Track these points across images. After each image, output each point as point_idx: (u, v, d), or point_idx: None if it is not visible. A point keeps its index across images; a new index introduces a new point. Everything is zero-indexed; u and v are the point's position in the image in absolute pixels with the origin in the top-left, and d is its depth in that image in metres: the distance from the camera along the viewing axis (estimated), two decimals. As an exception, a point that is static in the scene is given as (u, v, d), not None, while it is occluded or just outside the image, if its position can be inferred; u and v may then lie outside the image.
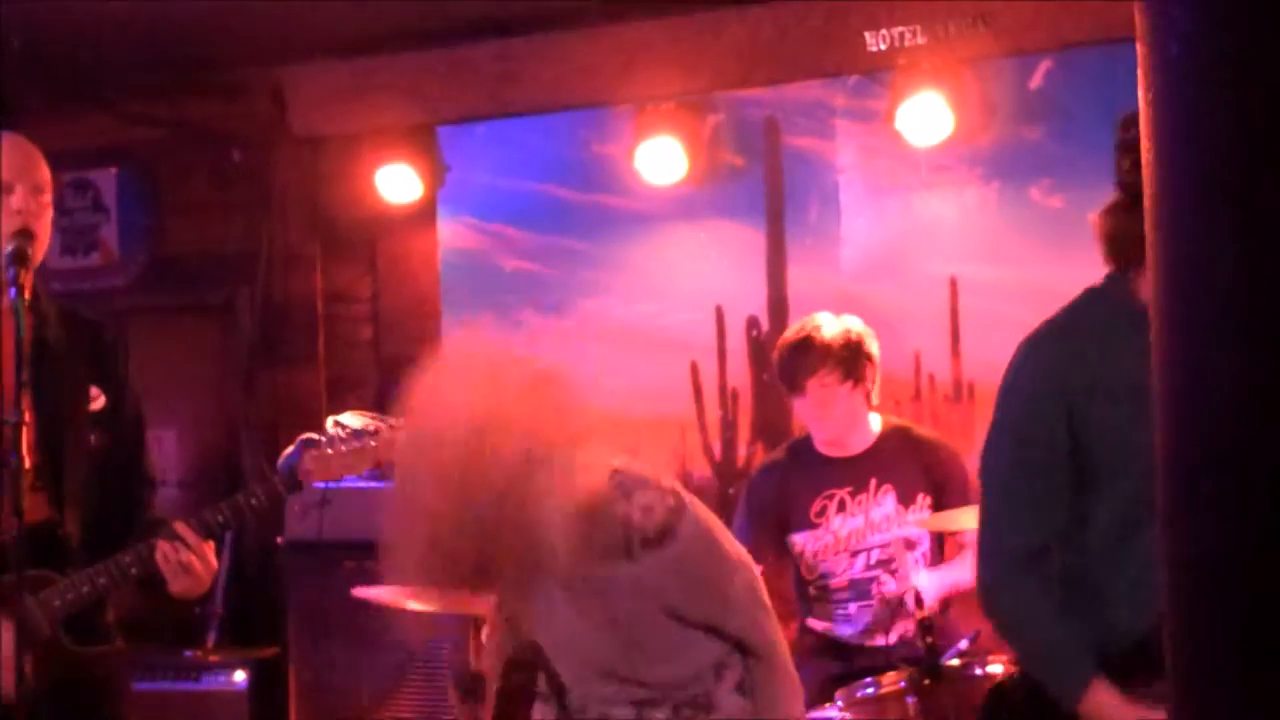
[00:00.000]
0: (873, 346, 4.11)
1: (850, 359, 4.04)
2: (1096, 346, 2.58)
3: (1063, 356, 2.61)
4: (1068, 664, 2.55)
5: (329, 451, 3.07)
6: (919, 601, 3.64)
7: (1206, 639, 1.10)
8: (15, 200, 2.99)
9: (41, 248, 3.06)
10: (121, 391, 3.15)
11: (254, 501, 3.06)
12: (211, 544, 3.02)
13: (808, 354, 4.04)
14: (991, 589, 2.69)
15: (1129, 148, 2.57)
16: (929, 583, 3.92)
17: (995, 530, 2.69)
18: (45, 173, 3.09)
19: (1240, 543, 1.06)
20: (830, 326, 4.08)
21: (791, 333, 4.15)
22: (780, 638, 2.70)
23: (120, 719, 3.13)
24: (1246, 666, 1.03)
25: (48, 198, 3.08)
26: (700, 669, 2.64)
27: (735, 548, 2.72)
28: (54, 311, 3.12)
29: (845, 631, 4.17)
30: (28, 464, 2.70)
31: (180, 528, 2.97)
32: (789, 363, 4.09)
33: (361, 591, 4.06)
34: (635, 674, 2.59)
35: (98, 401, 3.09)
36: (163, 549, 2.94)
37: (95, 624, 3.04)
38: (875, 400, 4.15)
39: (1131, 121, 2.56)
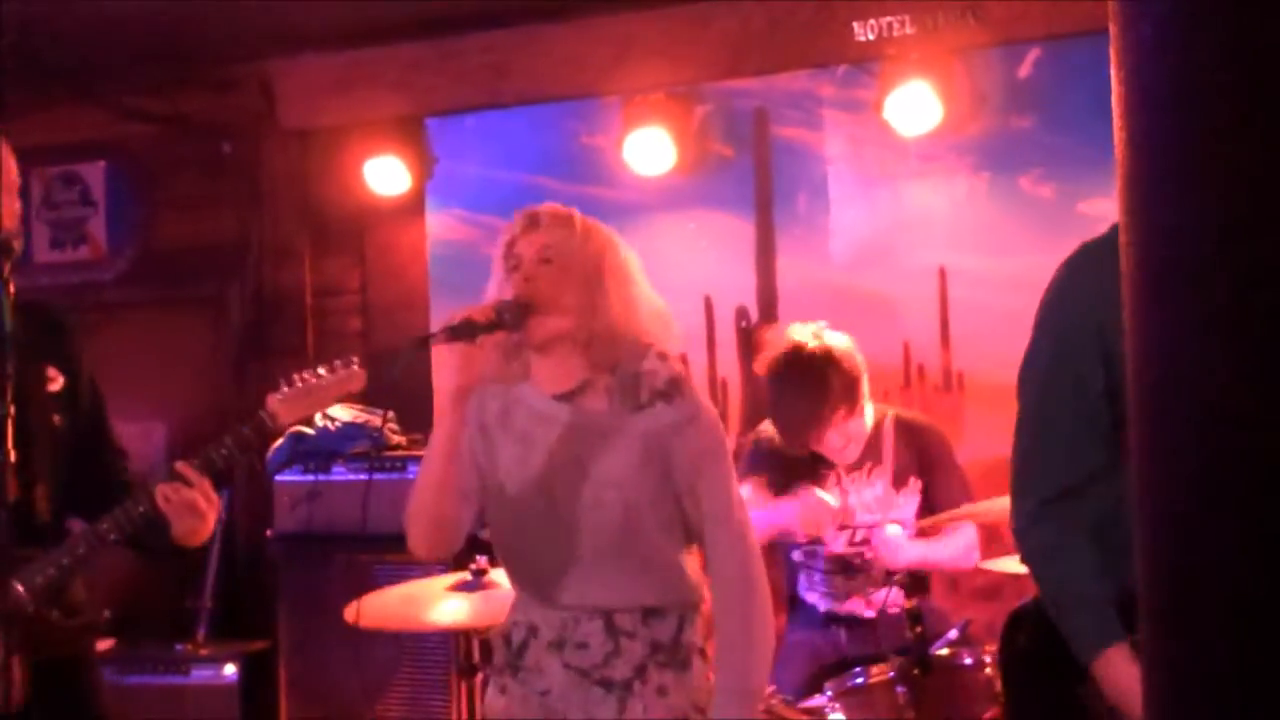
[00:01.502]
0: (858, 359, 4.05)
1: (851, 388, 4.00)
2: None
3: (1099, 287, 2.33)
4: (1088, 623, 2.44)
5: (293, 392, 3.09)
6: (907, 590, 3.63)
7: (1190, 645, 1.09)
8: None
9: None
10: (77, 369, 3.15)
11: (223, 452, 3.03)
12: (209, 482, 2.99)
13: (819, 411, 3.95)
14: (1020, 532, 2.58)
15: None
16: (895, 536, 3.96)
17: (1027, 470, 2.57)
18: (12, 166, 3.09)
19: (1227, 540, 1.06)
20: (826, 366, 3.96)
21: (791, 384, 3.99)
22: (760, 566, 2.70)
23: (100, 694, 3.14)
24: (1227, 647, 1.03)
25: (13, 190, 3.08)
26: (670, 597, 2.67)
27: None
28: (2, 297, 3.12)
29: (828, 603, 4.19)
30: (13, 456, 2.69)
31: (180, 467, 2.96)
32: (801, 422, 3.99)
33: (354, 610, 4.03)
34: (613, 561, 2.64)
35: (56, 382, 3.09)
36: (163, 491, 2.93)
37: (71, 598, 3.04)
38: (867, 401, 4.14)
39: None
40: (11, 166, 3.04)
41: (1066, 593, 2.50)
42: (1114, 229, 2.48)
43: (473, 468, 2.71)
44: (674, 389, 2.66)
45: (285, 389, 3.11)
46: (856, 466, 4.14)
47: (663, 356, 2.70)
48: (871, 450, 4.16)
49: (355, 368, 3.18)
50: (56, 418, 3.06)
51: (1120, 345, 2.36)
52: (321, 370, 3.17)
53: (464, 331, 2.54)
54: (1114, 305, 2.34)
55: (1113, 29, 1.05)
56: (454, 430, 2.61)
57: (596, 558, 2.63)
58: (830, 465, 4.15)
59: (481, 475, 2.73)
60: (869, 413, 4.18)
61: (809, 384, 3.96)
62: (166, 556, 3.08)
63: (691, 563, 2.76)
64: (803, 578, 4.26)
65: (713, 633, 2.74)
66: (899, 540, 4.01)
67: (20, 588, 2.91)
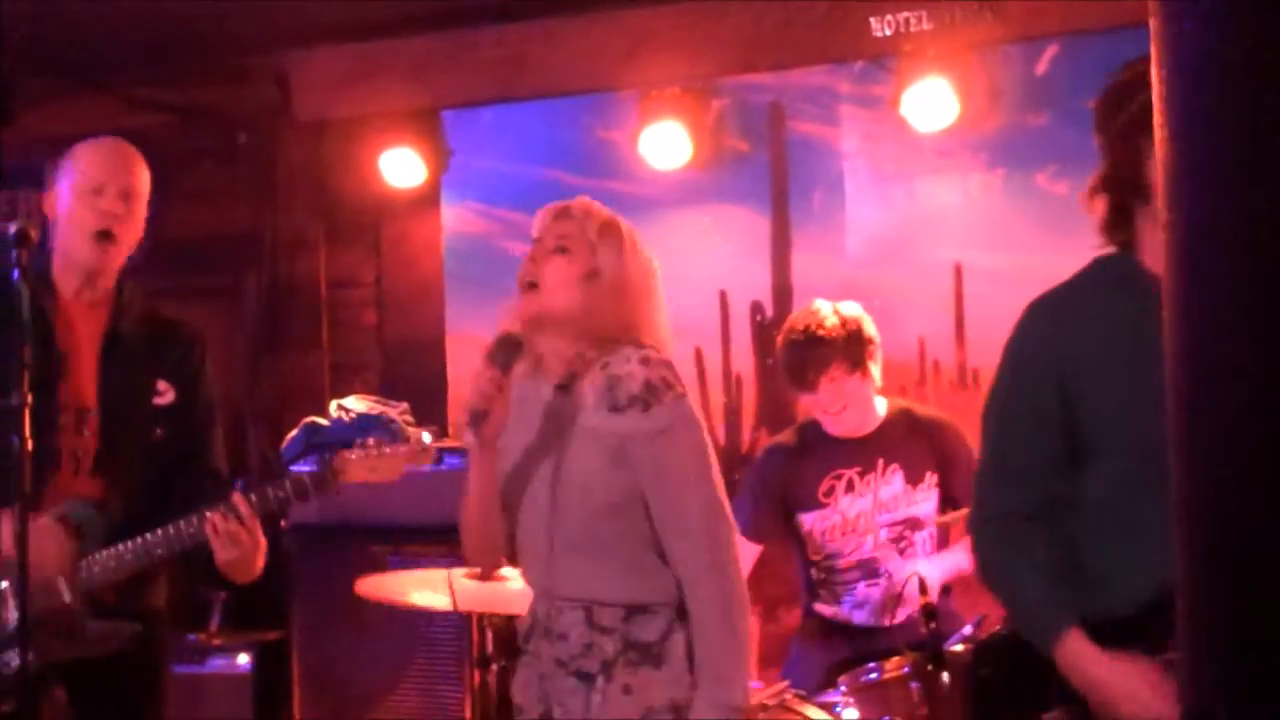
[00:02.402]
0: (871, 329, 4.11)
1: (856, 348, 4.04)
2: (1096, 318, 2.55)
3: (1059, 326, 2.57)
4: (1043, 614, 2.53)
5: (365, 458, 3.10)
6: (923, 587, 3.65)
7: (1221, 625, 1.09)
8: (104, 202, 3.08)
9: (124, 251, 3.18)
10: (194, 388, 3.22)
11: (280, 494, 3.08)
12: (258, 522, 3.04)
13: (816, 350, 4.02)
14: (975, 542, 2.70)
15: (1105, 123, 2.55)
16: (931, 569, 3.93)
17: (982, 489, 2.69)
18: (138, 178, 3.18)
19: (1257, 528, 1.06)
20: (830, 318, 4.06)
21: (794, 330, 4.11)
22: (731, 601, 2.65)
23: (147, 698, 3.17)
24: (1261, 644, 1.03)
25: (138, 204, 3.17)
26: (657, 596, 2.66)
27: (719, 486, 2.73)
28: (137, 309, 3.20)
29: (852, 613, 4.18)
30: (30, 445, 2.71)
31: (236, 498, 3.01)
32: (798, 362, 4.07)
33: (364, 587, 4.03)
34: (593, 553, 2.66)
35: (166, 396, 3.16)
36: (212, 519, 2.99)
37: (123, 602, 3.07)
38: (879, 381, 4.15)
39: (1112, 95, 2.56)
40: (96, 167, 3.11)
41: (1019, 590, 2.59)
42: (1082, 270, 2.59)
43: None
44: (651, 396, 2.64)
45: (358, 450, 3.11)
46: (869, 466, 4.14)
47: (645, 361, 2.67)
48: (882, 441, 4.16)
49: (428, 443, 3.18)
50: (160, 430, 3.13)
51: (1078, 384, 2.46)
52: (366, 408, 3.21)
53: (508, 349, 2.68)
54: (1072, 342, 2.47)
55: (1153, 24, 1.04)
56: (489, 463, 2.70)
57: (571, 550, 2.67)
58: (843, 468, 4.14)
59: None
60: (880, 404, 4.18)
61: (814, 327, 4.04)
62: (216, 581, 3.13)
63: (650, 575, 2.72)
64: (822, 592, 4.24)
65: None
66: (933, 571, 3.98)
67: (64, 585, 2.94)
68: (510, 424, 2.74)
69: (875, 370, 4.10)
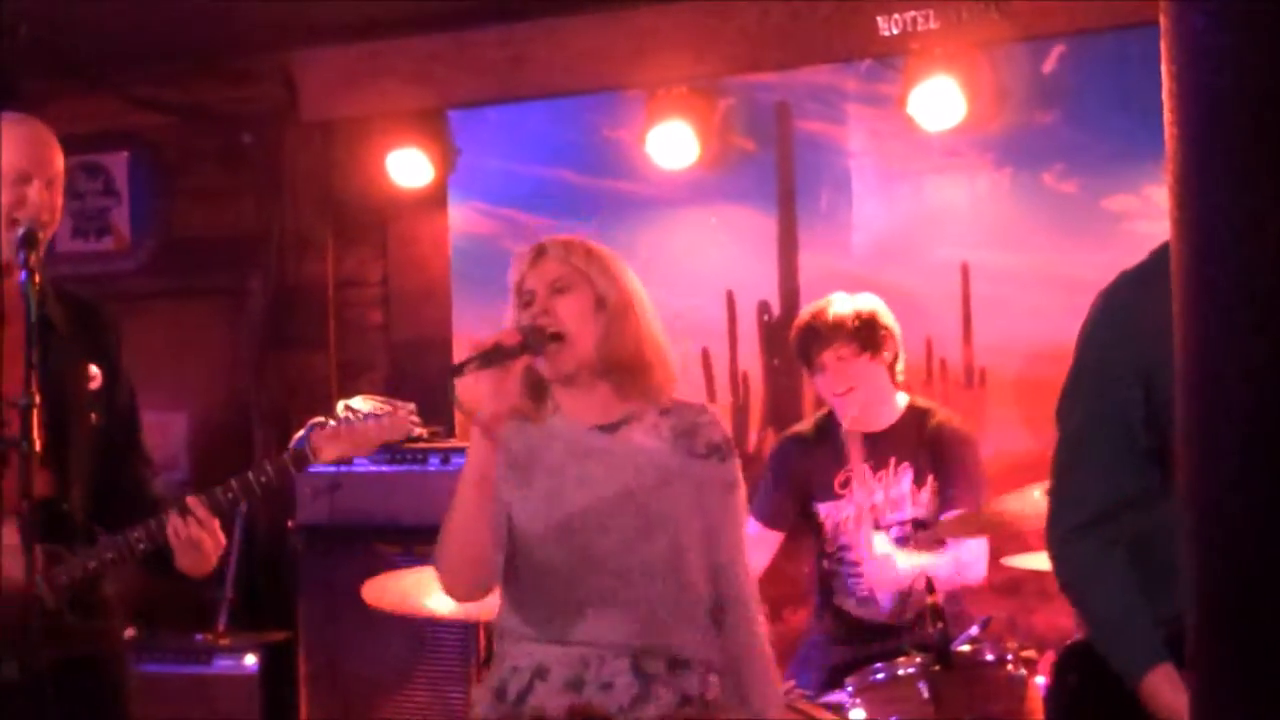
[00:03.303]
0: (888, 319, 4.12)
1: (864, 330, 4.06)
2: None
3: (1138, 310, 2.40)
4: (1130, 644, 2.45)
5: (338, 430, 3.07)
6: (930, 587, 3.65)
7: (1233, 644, 1.09)
8: (31, 192, 2.99)
9: (50, 233, 3.07)
10: (116, 369, 3.14)
11: (263, 479, 3.03)
12: (216, 521, 2.99)
13: (821, 328, 4.08)
14: (1053, 552, 2.60)
15: None
16: (885, 556, 3.94)
17: (1064, 493, 2.59)
18: (60, 162, 3.08)
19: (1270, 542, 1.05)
20: (842, 303, 4.13)
21: (805, 312, 4.21)
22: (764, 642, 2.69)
23: (122, 695, 3.14)
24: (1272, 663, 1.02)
25: (60, 185, 3.09)
26: (698, 653, 2.60)
27: None
28: (51, 292, 3.11)
29: (862, 610, 4.17)
30: (38, 446, 2.69)
31: (192, 502, 2.96)
32: (804, 339, 4.14)
33: (371, 589, 4.01)
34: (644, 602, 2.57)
35: (96, 380, 3.09)
36: (173, 523, 2.94)
37: (95, 599, 3.04)
38: (900, 377, 4.16)
39: None
40: (21, 154, 3.02)
41: (1107, 615, 2.51)
42: (1152, 255, 2.48)
43: (503, 506, 2.60)
44: (728, 449, 2.69)
45: (332, 424, 3.07)
46: (882, 463, 4.14)
47: (716, 415, 2.73)
48: (895, 439, 4.15)
49: (403, 414, 3.11)
50: (94, 415, 3.05)
51: (1163, 378, 2.34)
52: (371, 408, 3.13)
53: (495, 357, 2.48)
54: (1154, 337, 2.22)
55: (1163, 21, 1.03)
56: (487, 461, 2.52)
57: (635, 594, 2.56)
58: (858, 462, 4.14)
59: (507, 513, 2.62)
60: (901, 400, 4.18)
61: (824, 309, 4.12)
62: (173, 580, 3.07)
63: (698, 617, 2.66)
64: (834, 584, 4.24)
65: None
66: (889, 558, 3.98)
67: (44, 584, 2.91)
68: (525, 472, 2.63)
69: (891, 360, 4.12)
